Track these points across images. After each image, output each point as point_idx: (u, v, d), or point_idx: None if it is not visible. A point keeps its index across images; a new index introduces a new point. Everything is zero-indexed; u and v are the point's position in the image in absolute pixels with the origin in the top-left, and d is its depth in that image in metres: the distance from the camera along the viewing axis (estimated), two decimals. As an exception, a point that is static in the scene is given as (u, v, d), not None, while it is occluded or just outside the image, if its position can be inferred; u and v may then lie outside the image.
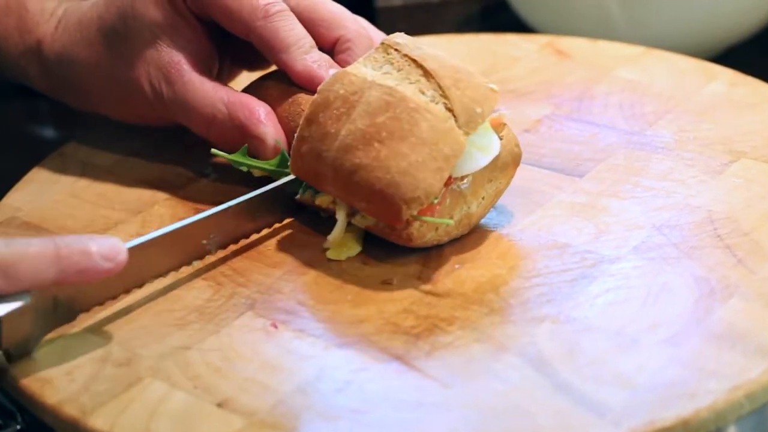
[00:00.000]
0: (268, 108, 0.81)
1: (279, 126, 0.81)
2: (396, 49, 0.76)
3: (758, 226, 0.75)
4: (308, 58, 0.81)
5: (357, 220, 0.75)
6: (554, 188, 0.81)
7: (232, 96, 0.81)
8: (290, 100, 0.82)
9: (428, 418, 0.63)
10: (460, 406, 0.64)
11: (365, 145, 0.72)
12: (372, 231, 0.75)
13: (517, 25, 1.23)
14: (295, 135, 0.76)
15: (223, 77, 0.88)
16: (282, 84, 0.83)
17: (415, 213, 0.72)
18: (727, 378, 0.63)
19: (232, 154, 0.80)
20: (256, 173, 0.81)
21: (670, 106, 0.91)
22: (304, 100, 0.81)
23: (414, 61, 0.75)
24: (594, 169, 0.83)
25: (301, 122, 0.76)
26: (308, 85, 0.81)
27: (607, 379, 0.64)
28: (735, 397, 0.62)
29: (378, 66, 0.75)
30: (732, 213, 0.77)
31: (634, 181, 0.82)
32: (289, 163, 0.78)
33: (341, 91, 0.74)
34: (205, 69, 0.84)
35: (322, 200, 0.77)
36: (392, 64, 0.75)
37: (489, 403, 0.64)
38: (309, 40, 0.82)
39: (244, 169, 0.81)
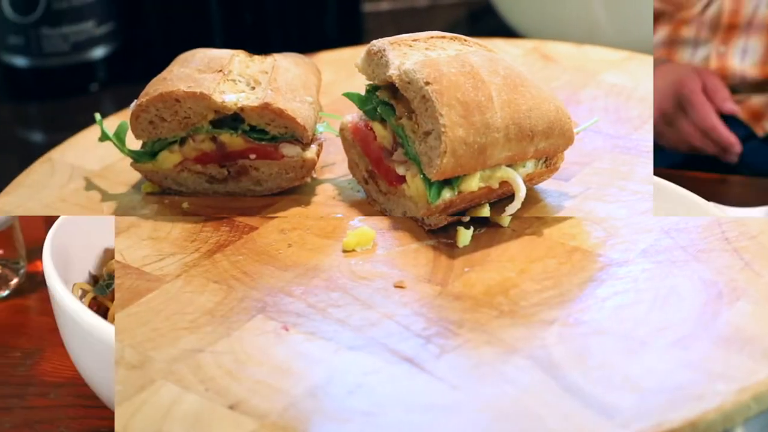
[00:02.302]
0: None
1: None
2: (465, 40, 0.81)
3: (765, 229, 0.76)
4: None
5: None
6: (541, 192, 0.82)
7: None
8: None
9: (438, 420, 0.63)
10: (469, 409, 0.64)
11: (515, 93, 0.76)
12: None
13: (503, 30, 1.24)
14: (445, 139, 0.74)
15: None
16: None
17: None
18: (735, 380, 0.64)
19: None
20: None
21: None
22: None
23: (483, 45, 0.81)
24: (580, 172, 0.84)
25: (444, 120, 0.74)
26: None
27: (616, 382, 0.64)
28: (742, 399, 0.63)
29: (442, 47, 0.80)
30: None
31: (620, 184, 0.82)
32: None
33: (453, 70, 0.76)
34: None
35: (468, 185, 0.77)
36: (460, 42, 0.81)
37: (498, 406, 0.64)
38: None
39: None
